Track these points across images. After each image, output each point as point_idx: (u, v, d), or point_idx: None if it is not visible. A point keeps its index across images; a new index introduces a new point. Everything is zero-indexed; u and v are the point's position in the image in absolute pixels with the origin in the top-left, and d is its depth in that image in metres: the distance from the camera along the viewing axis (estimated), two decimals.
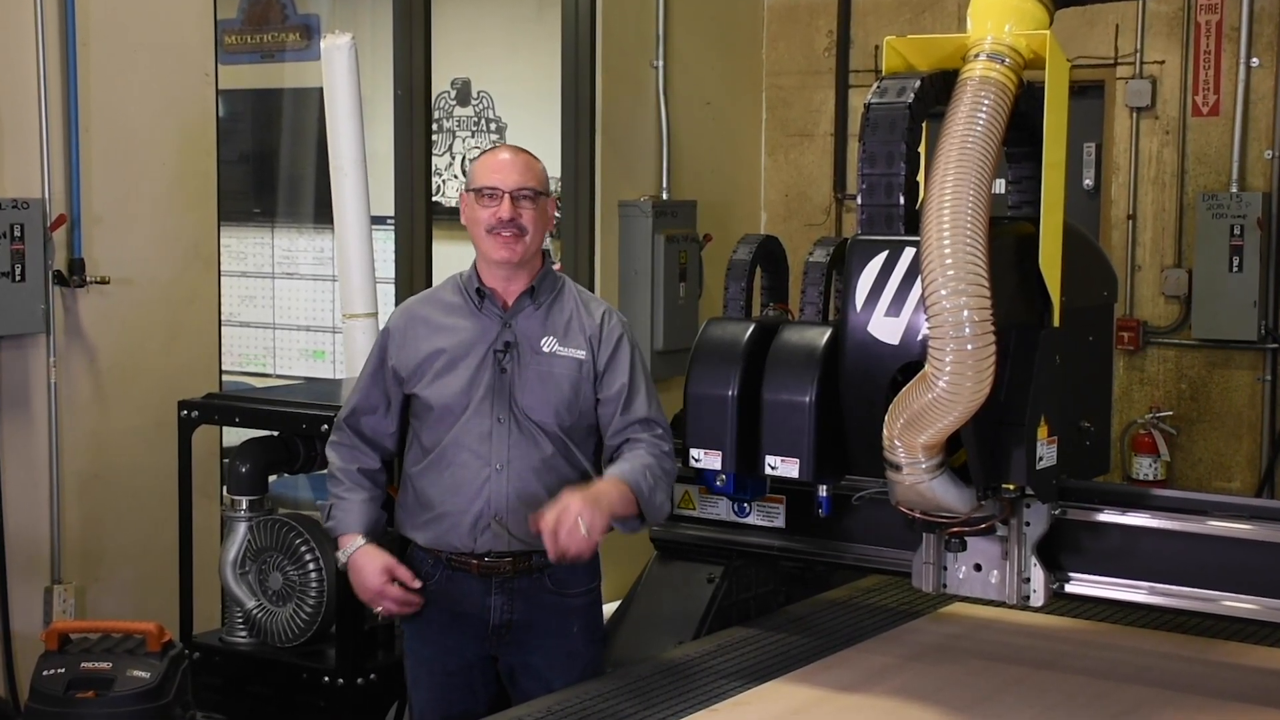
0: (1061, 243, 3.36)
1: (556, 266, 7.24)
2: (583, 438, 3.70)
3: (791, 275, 4.09)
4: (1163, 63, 7.33)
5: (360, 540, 3.72)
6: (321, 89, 5.00)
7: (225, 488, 4.88)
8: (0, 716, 4.83)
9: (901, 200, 3.31)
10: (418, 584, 3.71)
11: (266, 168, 8.84)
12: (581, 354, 3.67)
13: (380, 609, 3.77)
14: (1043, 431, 3.31)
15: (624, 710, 3.36)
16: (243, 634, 4.68)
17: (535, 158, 3.72)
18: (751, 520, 4.10)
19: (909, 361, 3.27)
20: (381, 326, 3.96)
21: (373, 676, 4.47)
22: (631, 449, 3.66)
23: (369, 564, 3.70)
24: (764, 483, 3.80)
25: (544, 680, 3.69)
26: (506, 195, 3.62)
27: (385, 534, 3.82)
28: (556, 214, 6.91)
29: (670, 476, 3.70)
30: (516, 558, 3.66)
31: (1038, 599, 3.58)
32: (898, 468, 3.25)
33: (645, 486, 3.59)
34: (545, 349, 3.66)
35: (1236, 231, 7.09)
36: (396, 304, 4.41)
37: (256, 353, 8.88)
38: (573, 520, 3.39)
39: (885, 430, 3.24)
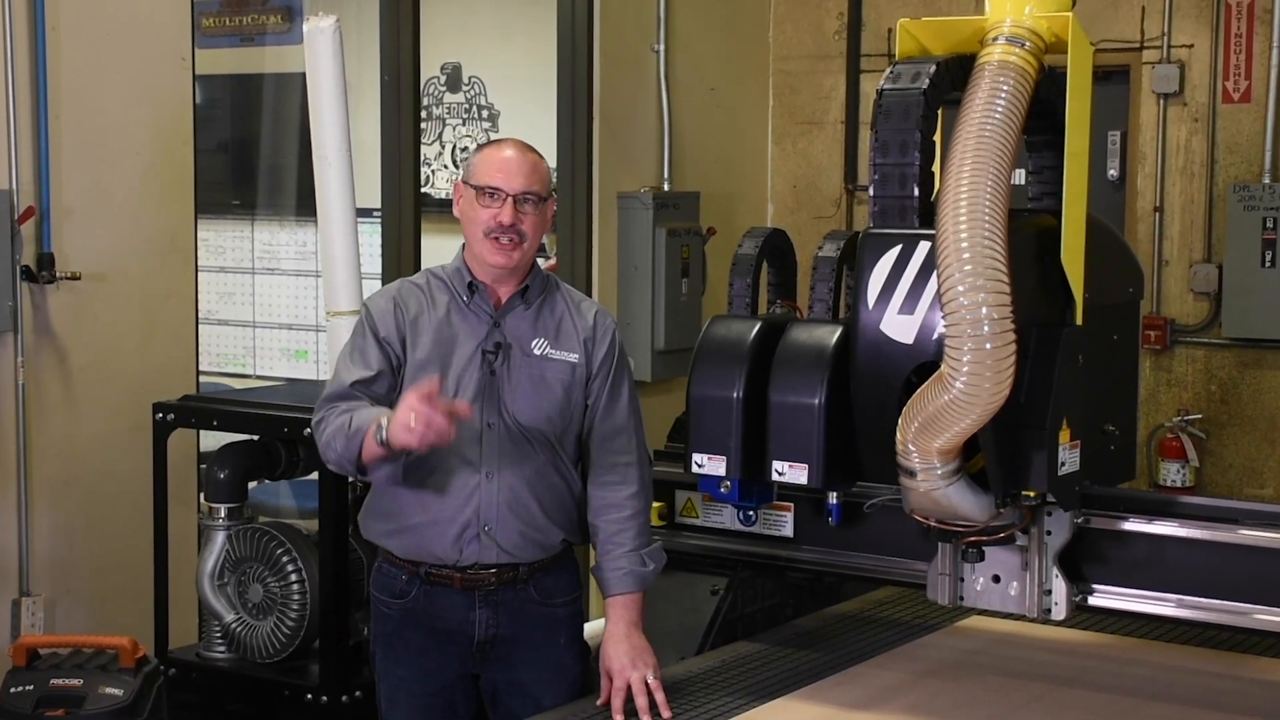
0: (1084, 236, 3.36)
1: (553, 262, 7.25)
2: (571, 444, 3.70)
3: (800, 271, 4.09)
4: (1191, 46, 7.33)
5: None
6: (304, 74, 4.99)
7: (203, 495, 4.89)
8: None
9: (916, 192, 3.32)
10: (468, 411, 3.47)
11: (246, 157, 8.84)
12: (574, 357, 3.66)
13: (417, 422, 3.31)
14: (1065, 435, 3.31)
15: None
16: (221, 649, 4.69)
17: (541, 156, 3.70)
18: (757, 529, 4.10)
19: (924, 362, 3.28)
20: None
21: (358, 694, 4.47)
22: (616, 511, 3.66)
23: (404, 397, 3.38)
24: (771, 489, 3.80)
25: (532, 697, 3.69)
26: (510, 198, 3.59)
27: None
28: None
29: (648, 497, 3.74)
30: (501, 569, 3.65)
31: (1059, 612, 3.58)
32: (912, 473, 3.25)
33: (649, 571, 3.66)
34: (537, 351, 3.65)
35: (1269, 225, 7.08)
36: None
37: (236, 352, 8.89)
38: (640, 685, 3.49)
39: (899, 434, 3.24)
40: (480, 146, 3.79)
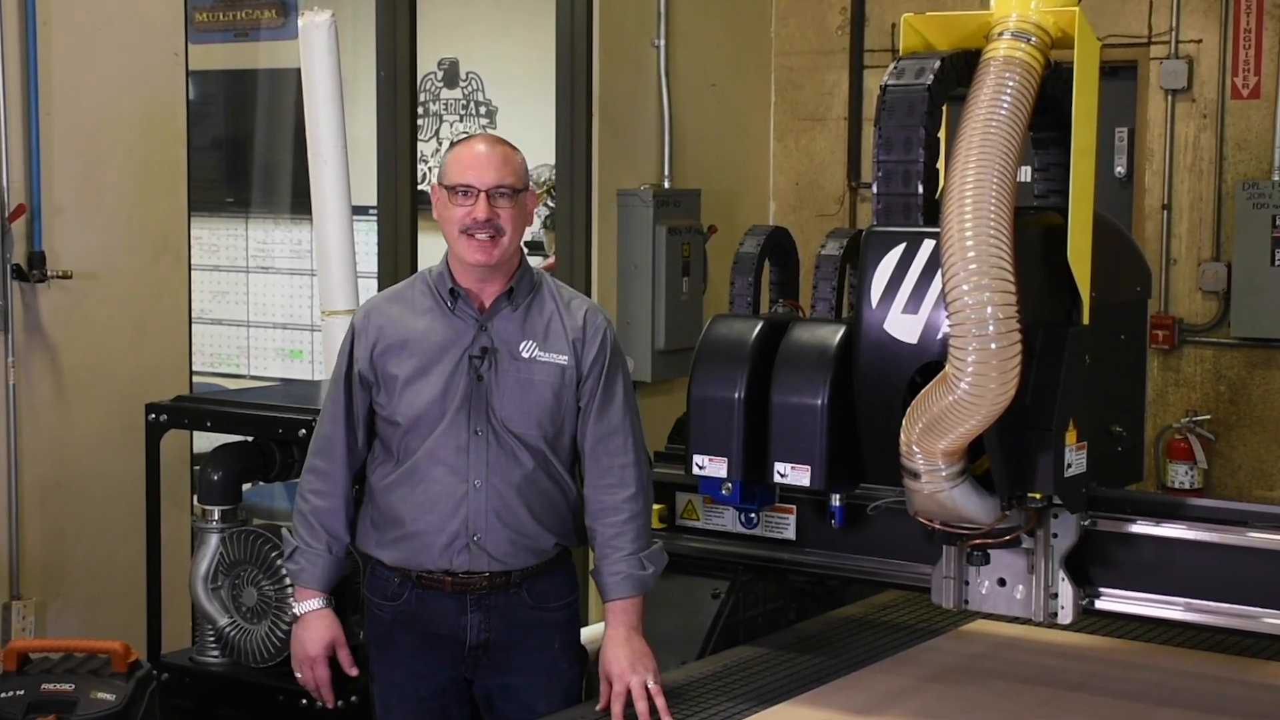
0: (1091, 234, 3.36)
1: (551, 260, 7.24)
2: (564, 448, 3.70)
3: (802, 269, 4.09)
4: (1200, 42, 7.33)
5: (319, 601, 3.81)
6: (299, 70, 5.00)
7: (196, 497, 4.88)
8: None
9: (920, 189, 3.32)
10: (354, 671, 3.85)
11: (240, 154, 8.84)
12: (564, 359, 3.65)
13: (301, 678, 3.87)
14: (1071, 437, 3.31)
15: None
16: (214, 653, 4.68)
17: (514, 148, 3.67)
18: (759, 532, 4.10)
19: (928, 362, 3.27)
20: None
21: (353, 699, 4.46)
22: (614, 514, 3.66)
23: (319, 631, 3.80)
24: (773, 491, 3.80)
25: (525, 703, 3.69)
26: (483, 194, 3.57)
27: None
28: (550, 204, 6.89)
29: (647, 499, 3.74)
30: (493, 574, 3.65)
31: (1066, 616, 3.58)
32: (916, 475, 3.25)
33: (648, 574, 3.66)
34: (525, 354, 3.63)
35: (1279, 223, 7.08)
36: None
37: (229, 352, 8.88)
38: (641, 690, 3.49)
39: (903, 435, 3.24)
40: (451, 145, 3.78)
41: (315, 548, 3.77)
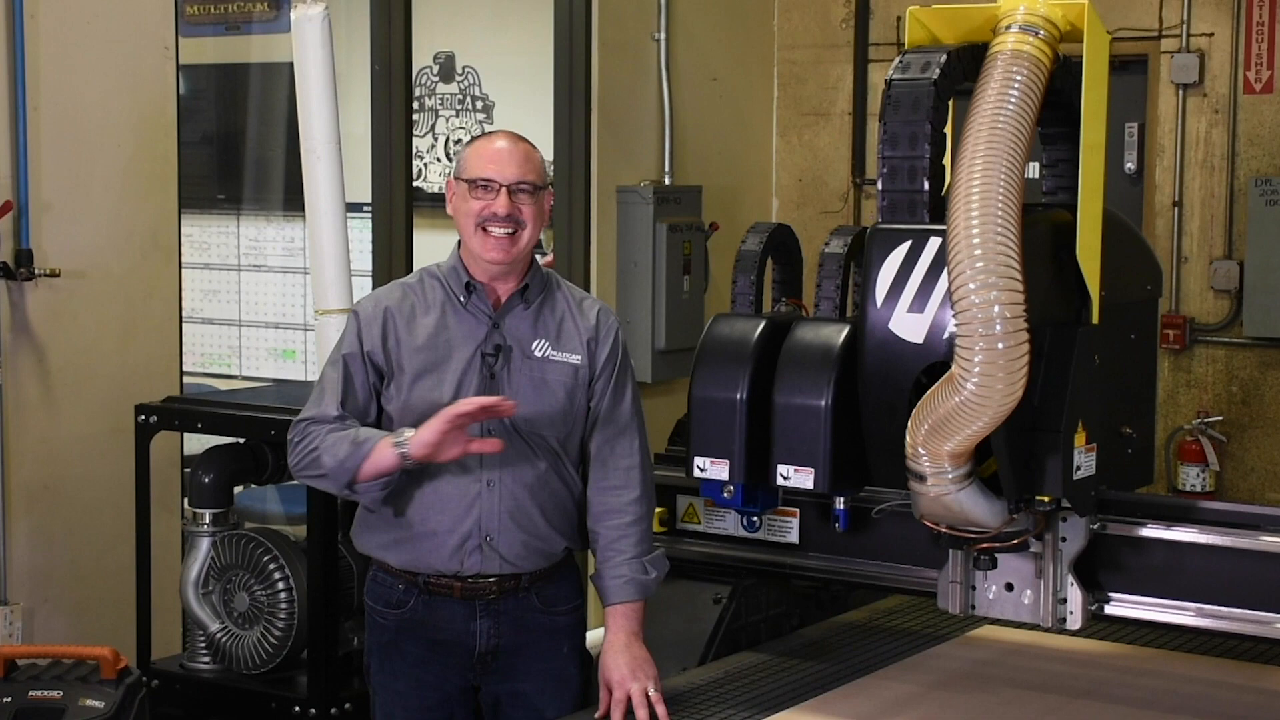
0: (1101, 232, 3.36)
1: (549, 258, 7.24)
2: (573, 448, 3.70)
3: (806, 267, 4.09)
4: (1211, 35, 7.33)
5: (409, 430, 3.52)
6: (292, 64, 5.00)
7: (186, 500, 4.89)
8: None
9: (926, 185, 3.32)
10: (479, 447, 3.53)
11: (232, 150, 8.84)
12: (577, 359, 3.66)
13: (461, 411, 3.45)
14: (1080, 438, 3.31)
15: None
16: (206, 660, 4.69)
17: (534, 147, 3.71)
18: (762, 535, 4.10)
19: (934, 362, 3.28)
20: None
21: (347, 706, 4.47)
22: (617, 516, 3.65)
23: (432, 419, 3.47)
24: (775, 494, 3.80)
25: (534, 709, 3.69)
26: (504, 189, 3.59)
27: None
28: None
29: (650, 502, 3.73)
30: (502, 578, 3.65)
31: (1074, 621, 3.58)
32: (922, 478, 3.26)
33: (650, 579, 3.66)
34: (538, 353, 3.65)
35: None
36: None
37: (221, 352, 8.89)
38: (641, 697, 3.49)
39: (908, 437, 3.24)
40: (471, 140, 3.80)
41: (364, 429, 3.57)
